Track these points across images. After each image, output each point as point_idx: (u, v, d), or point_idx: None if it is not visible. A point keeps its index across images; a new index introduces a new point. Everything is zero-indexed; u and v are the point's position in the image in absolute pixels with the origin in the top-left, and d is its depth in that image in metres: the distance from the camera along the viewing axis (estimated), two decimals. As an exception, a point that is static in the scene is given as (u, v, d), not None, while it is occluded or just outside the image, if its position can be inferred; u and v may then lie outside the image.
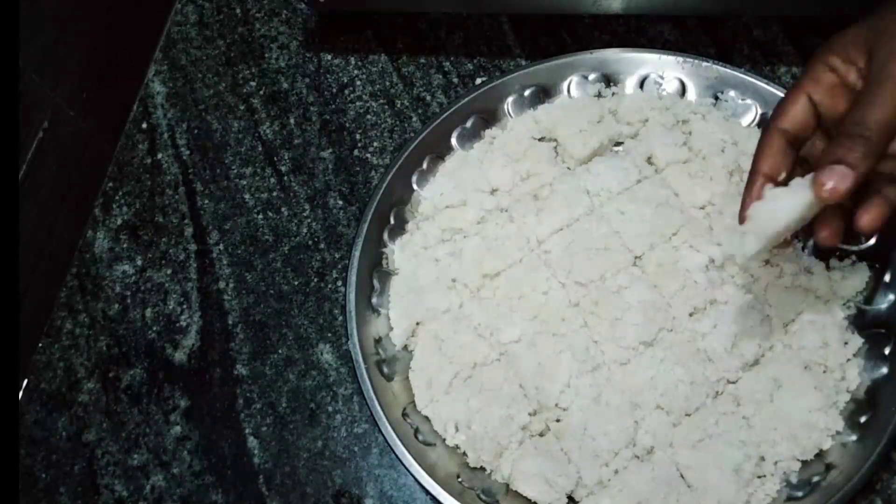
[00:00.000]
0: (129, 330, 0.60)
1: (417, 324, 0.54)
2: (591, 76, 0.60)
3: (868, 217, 0.39)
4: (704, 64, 0.58)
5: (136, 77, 0.71)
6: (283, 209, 0.63)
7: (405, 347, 0.54)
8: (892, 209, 0.39)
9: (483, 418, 0.49)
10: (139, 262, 0.62)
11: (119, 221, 0.64)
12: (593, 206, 0.55)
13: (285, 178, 0.64)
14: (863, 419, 0.46)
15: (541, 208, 0.55)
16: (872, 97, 0.38)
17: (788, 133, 0.42)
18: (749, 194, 0.42)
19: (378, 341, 0.54)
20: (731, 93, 0.58)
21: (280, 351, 0.57)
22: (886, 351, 0.48)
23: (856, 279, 0.50)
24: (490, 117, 0.61)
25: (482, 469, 0.50)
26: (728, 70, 0.58)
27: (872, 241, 0.52)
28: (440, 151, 0.60)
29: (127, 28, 0.71)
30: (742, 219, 0.42)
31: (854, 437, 0.46)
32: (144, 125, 0.68)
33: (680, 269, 0.52)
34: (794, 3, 0.59)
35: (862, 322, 0.50)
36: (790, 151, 0.42)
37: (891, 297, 0.50)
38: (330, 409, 0.55)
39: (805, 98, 0.41)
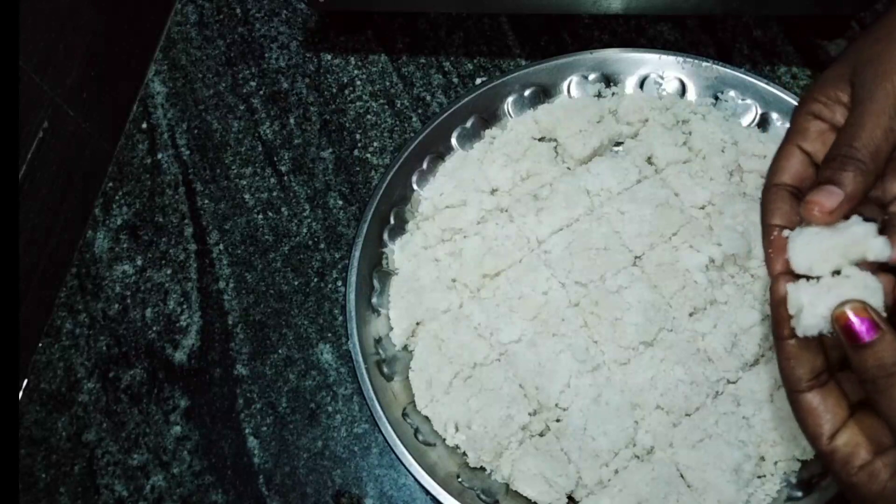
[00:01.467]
0: (129, 330, 0.60)
1: (417, 324, 0.54)
2: (591, 76, 0.60)
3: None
4: (704, 64, 0.58)
5: (136, 77, 0.71)
6: (283, 209, 0.63)
7: (405, 347, 0.54)
8: None
9: (483, 418, 0.49)
10: (139, 262, 0.62)
11: (119, 221, 0.64)
12: (593, 206, 0.55)
13: (285, 178, 0.64)
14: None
15: (541, 208, 0.55)
16: (860, 119, 0.37)
17: (788, 185, 0.40)
18: (769, 245, 0.40)
19: (378, 341, 0.54)
20: (731, 93, 0.58)
21: (280, 351, 0.57)
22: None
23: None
24: (490, 117, 0.61)
25: (482, 469, 0.50)
26: (728, 70, 0.58)
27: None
28: (440, 151, 0.60)
29: (127, 28, 0.71)
30: (775, 273, 0.39)
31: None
32: (144, 125, 0.68)
33: (680, 269, 0.52)
34: (794, 3, 0.59)
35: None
36: (795, 201, 0.40)
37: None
38: (330, 409, 0.55)
39: (796, 150, 0.40)
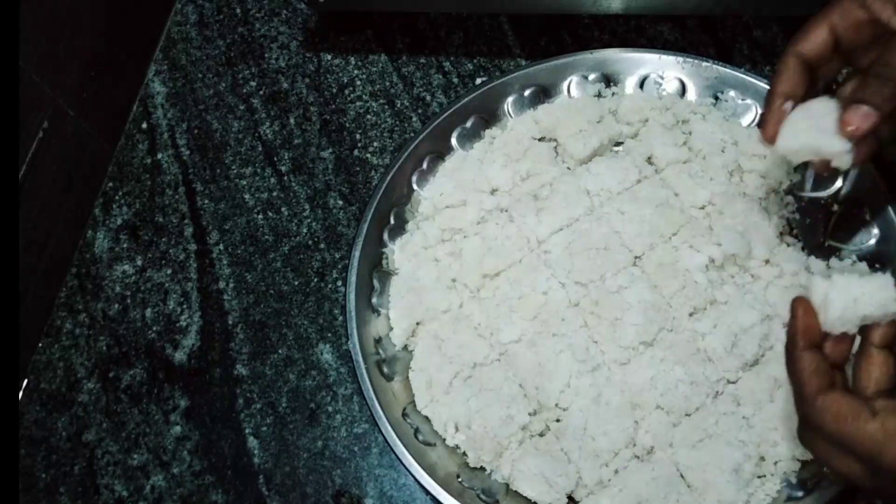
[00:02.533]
0: (129, 330, 0.60)
1: (417, 324, 0.54)
2: (591, 76, 0.60)
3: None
4: (704, 64, 0.58)
5: (136, 77, 0.71)
6: (283, 209, 0.63)
7: (405, 347, 0.54)
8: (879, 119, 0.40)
9: (483, 418, 0.49)
10: (139, 262, 0.62)
11: (119, 221, 0.64)
12: (593, 206, 0.55)
13: (285, 178, 0.64)
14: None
15: (541, 208, 0.55)
16: None
17: (805, 57, 0.42)
18: (770, 112, 0.43)
19: (378, 341, 0.54)
20: (731, 93, 0.58)
21: (280, 351, 0.57)
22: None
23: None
24: (490, 117, 0.61)
25: (482, 469, 0.50)
26: (728, 70, 0.58)
27: (838, 184, 0.51)
28: (440, 151, 0.60)
29: (127, 28, 0.71)
30: (766, 136, 0.43)
31: (854, 437, 0.46)
32: (144, 125, 0.68)
33: (680, 269, 0.52)
34: (794, 3, 0.59)
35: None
36: (807, 73, 0.43)
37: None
38: (330, 409, 0.55)
39: (827, 29, 0.41)
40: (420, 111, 0.65)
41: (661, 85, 0.59)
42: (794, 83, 0.42)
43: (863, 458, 0.34)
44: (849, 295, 0.37)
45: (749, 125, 0.57)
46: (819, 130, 0.41)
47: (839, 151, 0.41)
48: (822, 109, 0.42)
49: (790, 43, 0.42)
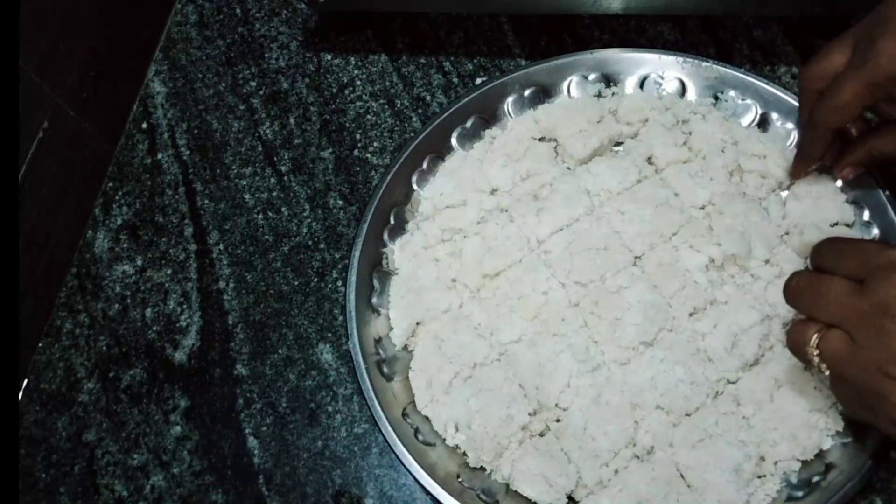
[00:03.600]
0: (129, 330, 0.60)
1: (417, 324, 0.54)
2: (591, 76, 0.60)
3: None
4: (704, 64, 0.58)
5: (136, 77, 0.71)
6: (283, 209, 0.63)
7: (405, 347, 0.54)
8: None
9: (483, 418, 0.49)
10: (139, 262, 0.62)
11: (119, 221, 0.64)
12: (593, 206, 0.55)
13: (285, 178, 0.64)
14: (863, 419, 0.46)
15: (541, 208, 0.55)
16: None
17: (837, 128, 0.49)
18: (800, 169, 0.53)
19: (378, 341, 0.54)
20: (731, 93, 0.58)
21: (280, 351, 0.57)
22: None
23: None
24: (490, 117, 0.61)
25: (482, 469, 0.50)
26: (728, 70, 0.58)
27: None
28: (440, 151, 0.60)
29: (127, 28, 0.71)
30: (795, 178, 0.54)
31: (854, 438, 0.46)
32: (144, 125, 0.68)
33: (680, 269, 0.52)
34: (794, 3, 0.59)
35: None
36: (832, 136, 0.50)
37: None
38: (330, 409, 0.55)
39: (859, 109, 0.46)
40: (420, 111, 0.65)
41: (661, 85, 0.59)
42: (825, 147, 0.50)
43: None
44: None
45: (749, 125, 0.57)
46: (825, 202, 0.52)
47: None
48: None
49: (824, 115, 0.47)
